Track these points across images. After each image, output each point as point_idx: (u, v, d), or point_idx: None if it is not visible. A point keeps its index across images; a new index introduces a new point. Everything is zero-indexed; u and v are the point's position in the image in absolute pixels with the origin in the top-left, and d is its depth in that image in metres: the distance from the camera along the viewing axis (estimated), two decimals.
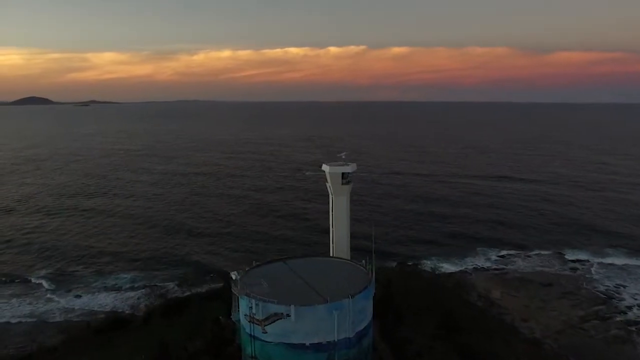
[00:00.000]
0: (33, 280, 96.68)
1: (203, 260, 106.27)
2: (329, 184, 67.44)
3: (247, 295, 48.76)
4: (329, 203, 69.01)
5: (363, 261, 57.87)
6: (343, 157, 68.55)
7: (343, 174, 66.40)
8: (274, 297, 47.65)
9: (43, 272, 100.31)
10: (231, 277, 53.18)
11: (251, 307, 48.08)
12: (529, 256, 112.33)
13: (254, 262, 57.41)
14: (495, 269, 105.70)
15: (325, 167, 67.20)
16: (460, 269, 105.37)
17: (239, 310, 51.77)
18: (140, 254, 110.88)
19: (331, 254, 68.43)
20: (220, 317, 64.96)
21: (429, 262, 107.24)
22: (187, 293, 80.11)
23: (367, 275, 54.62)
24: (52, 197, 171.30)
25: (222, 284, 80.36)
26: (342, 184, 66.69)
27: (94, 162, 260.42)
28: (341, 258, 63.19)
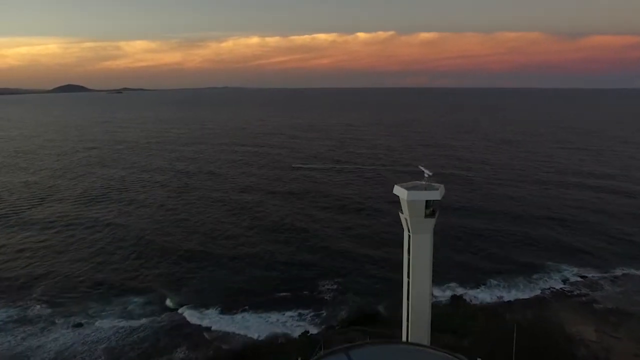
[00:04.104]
0: (20, 310, 73.37)
1: (220, 292, 78.95)
2: (404, 216, 41.97)
3: None
4: (403, 243, 43.33)
5: None
6: (427, 174, 42.38)
7: (427, 201, 40.81)
8: None
9: (33, 297, 76.96)
10: None
11: None
12: (615, 278, 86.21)
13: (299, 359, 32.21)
14: (578, 295, 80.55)
15: (399, 191, 41.55)
16: (536, 293, 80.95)
17: None
18: (146, 283, 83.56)
19: (405, 323, 42.88)
20: None
21: (495, 283, 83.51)
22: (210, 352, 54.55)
23: None
24: (49, 201, 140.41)
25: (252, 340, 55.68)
26: (425, 215, 41.19)
27: (103, 157, 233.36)
28: (430, 347, 37.30)
